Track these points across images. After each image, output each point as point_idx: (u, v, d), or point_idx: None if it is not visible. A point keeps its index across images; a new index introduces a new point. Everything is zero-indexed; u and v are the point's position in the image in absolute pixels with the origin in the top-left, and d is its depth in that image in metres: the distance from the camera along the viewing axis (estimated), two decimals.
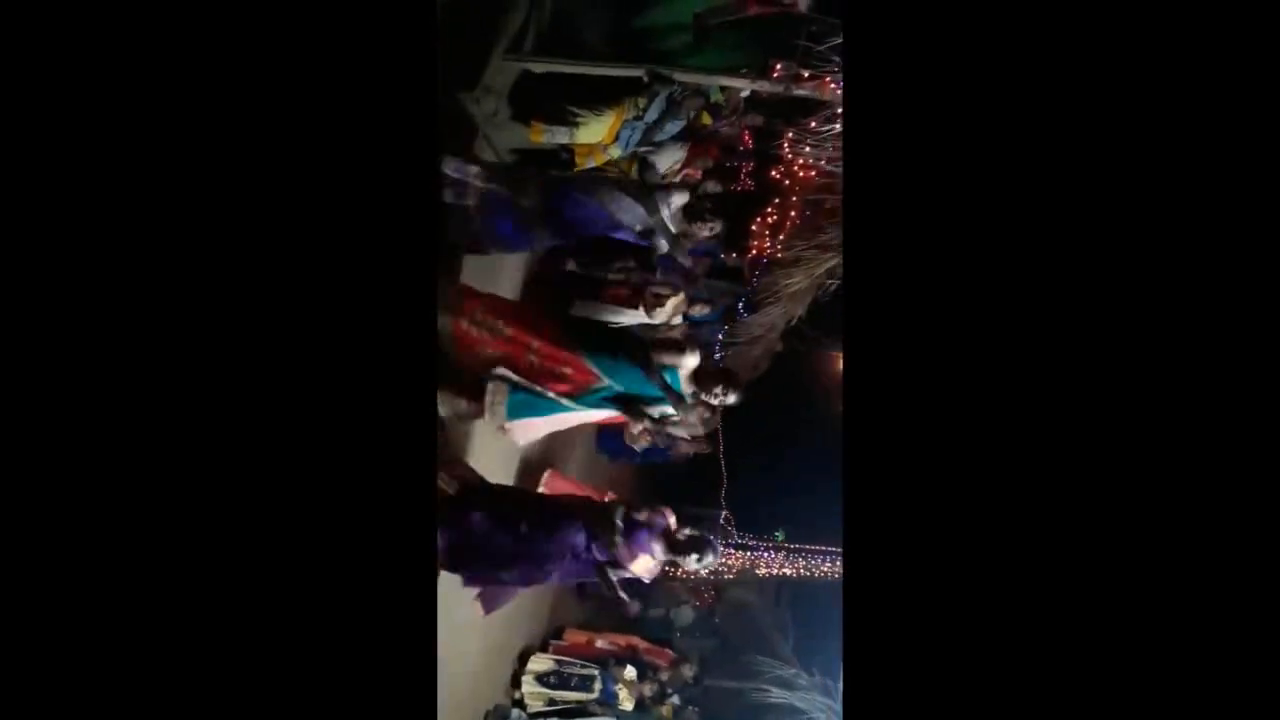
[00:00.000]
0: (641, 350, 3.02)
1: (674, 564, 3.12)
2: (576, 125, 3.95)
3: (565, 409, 2.99)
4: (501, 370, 2.92)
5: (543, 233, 3.28)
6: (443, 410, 3.06)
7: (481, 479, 3.10)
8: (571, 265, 4.23)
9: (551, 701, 4.85)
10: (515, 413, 2.99)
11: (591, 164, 4.20)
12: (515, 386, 2.93)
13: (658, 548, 2.96)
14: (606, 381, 2.99)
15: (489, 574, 2.98)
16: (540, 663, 5.03)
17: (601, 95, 3.90)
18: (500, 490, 3.22)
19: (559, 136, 3.99)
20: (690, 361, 3.00)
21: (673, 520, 3.06)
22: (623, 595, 3.02)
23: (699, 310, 4.84)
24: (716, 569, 10.73)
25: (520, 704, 4.82)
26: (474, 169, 3.13)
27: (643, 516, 2.98)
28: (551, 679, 4.87)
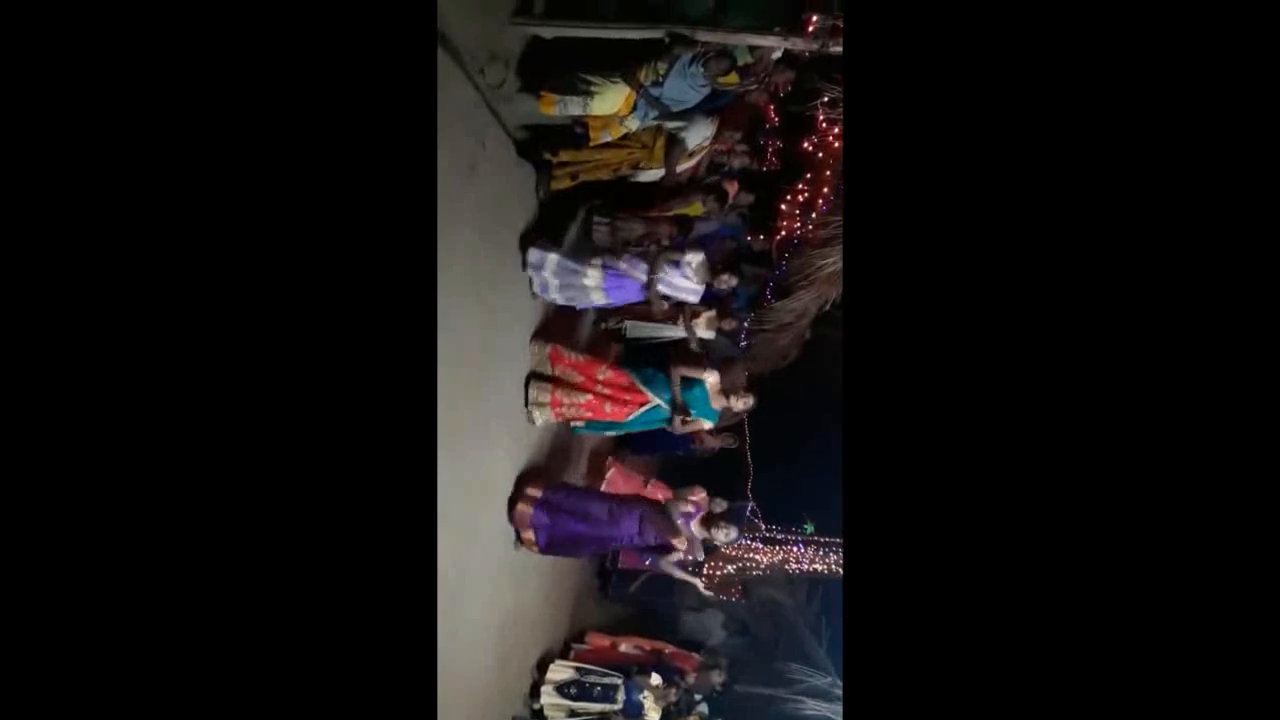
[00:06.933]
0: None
1: (709, 539, 4.11)
2: (591, 95, 3.63)
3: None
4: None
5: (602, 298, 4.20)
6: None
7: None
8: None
9: (573, 713, 4.59)
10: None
11: (607, 137, 3.88)
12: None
13: (696, 527, 4.01)
14: (656, 401, 4.14)
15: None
16: (560, 671, 4.76)
17: (617, 61, 3.57)
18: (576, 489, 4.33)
19: (572, 108, 3.67)
20: (711, 378, 4.12)
21: (705, 500, 4.19)
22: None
23: (729, 325, 5.25)
24: (745, 565, 10.43)
25: (540, 715, 4.57)
26: (553, 256, 3.93)
27: (688, 508, 4.08)
28: (572, 689, 4.60)
